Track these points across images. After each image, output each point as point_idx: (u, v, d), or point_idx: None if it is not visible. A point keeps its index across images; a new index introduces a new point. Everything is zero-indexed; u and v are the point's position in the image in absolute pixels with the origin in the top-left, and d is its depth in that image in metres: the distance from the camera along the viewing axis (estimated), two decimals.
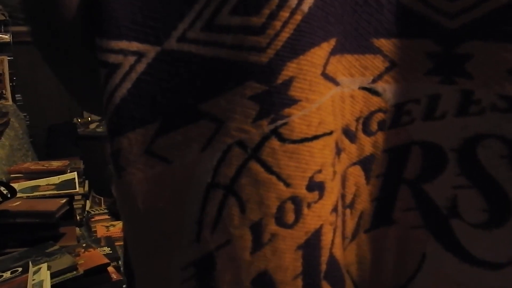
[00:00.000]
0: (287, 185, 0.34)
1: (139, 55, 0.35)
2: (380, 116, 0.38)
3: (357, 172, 0.38)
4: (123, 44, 0.34)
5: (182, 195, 0.35)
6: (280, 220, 0.34)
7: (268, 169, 0.34)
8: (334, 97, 0.35)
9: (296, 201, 0.34)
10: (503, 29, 0.35)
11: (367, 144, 0.38)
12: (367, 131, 0.38)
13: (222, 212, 0.34)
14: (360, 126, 0.38)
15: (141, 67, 0.35)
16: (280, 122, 0.33)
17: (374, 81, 0.37)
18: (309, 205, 0.34)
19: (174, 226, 0.36)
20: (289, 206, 0.34)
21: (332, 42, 0.34)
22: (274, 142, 0.33)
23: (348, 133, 0.37)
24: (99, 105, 0.36)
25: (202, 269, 0.35)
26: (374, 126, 0.38)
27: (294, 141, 0.34)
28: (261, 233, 0.34)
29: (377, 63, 0.37)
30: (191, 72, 0.35)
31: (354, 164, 0.38)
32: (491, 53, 0.35)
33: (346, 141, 0.37)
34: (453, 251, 0.38)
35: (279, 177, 0.34)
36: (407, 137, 0.38)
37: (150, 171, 0.36)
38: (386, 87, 0.37)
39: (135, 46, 0.34)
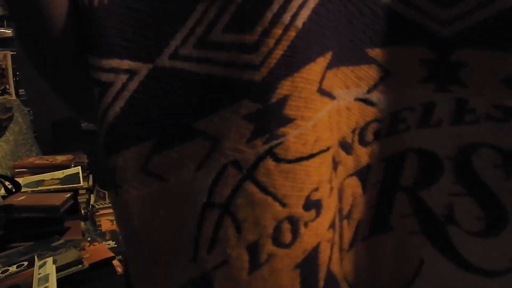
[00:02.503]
0: (283, 205, 0.33)
1: (131, 73, 0.34)
2: (375, 126, 0.37)
3: (354, 183, 0.38)
4: (115, 62, 0.34)
5: (178, 213, 0.35)
6: (277, 240, 0.34)
7: (264, 189, 0.33)
8: (330, 112, 0.35)
9: (292, 220, 0.34)
10: (496, 37, 0.34)
11: (363, 155, 0.38)
12: (363, 142, 0.37)
13: (218, 232, 0.34)
14: (356, 138, 0.37)
15: (133, 85, 0.34)
16: (275, 142, 0.33)
17: (369, 91, 0.37)
18: (306, 224, 0.34)
19: (171, 245, 0.35)
20: (286, 226, 0.33)
21: (328, 56, 0.34)
22: (269, 163, 0.33)
23: (345, 146, 0.37)
24: (95, 117, 0.35)
25: None
26: (369, 136, 0.37)
27: (290, 161, 0.33)
28: (258, 254, 0.34)
29: (372, 73, 0.36)
30: (185, 89, 0.34)
31: (351, 175, 0.38)
32: (484, 62, 0.35)
33: (343, 154, 0.37)
34: (449, 257, 0.38)
35: (275, 198, 0.33)
36: (402, 145, 0.38)
37: (146, 190, 0.35)
38: (381, 96, 0.37)
39: (126, 64, 0.34)
